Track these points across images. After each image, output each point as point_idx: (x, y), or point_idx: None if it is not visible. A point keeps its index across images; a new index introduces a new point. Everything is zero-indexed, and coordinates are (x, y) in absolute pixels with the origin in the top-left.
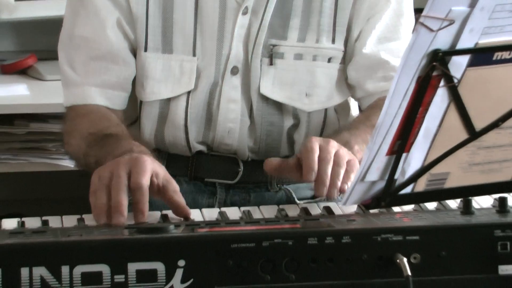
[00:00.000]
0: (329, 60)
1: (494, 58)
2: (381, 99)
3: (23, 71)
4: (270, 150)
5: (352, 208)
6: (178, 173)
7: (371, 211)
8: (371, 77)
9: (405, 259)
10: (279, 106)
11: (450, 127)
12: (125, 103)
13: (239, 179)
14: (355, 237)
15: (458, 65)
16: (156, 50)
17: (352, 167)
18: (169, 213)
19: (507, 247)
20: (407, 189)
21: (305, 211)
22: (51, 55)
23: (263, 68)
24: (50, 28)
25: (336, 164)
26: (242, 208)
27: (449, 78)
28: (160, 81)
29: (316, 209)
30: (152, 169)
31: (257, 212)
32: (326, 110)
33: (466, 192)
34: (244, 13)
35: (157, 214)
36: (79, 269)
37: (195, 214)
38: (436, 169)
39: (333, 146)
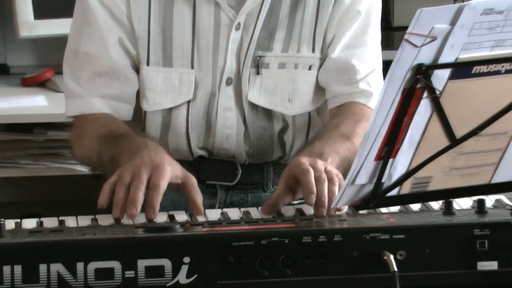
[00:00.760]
0: (310, 68)
1: (473, 71)
2: (348, 105)
3: (41, 84)
4: (264, 153)
5: (344, 208)
6: None
7: (361, 211)
8: (337, 80)
9: (391, 256)
10: (268, 112)
11: (432, 135)
12: (130, 114)
13: (238, 181)
14: (345, 236)
15: (440, 78)
16: (157, 64)
17: (340, 181)
18: (176, 213)
19: (485, 245)
20: (394, 192)
21: (300, 211)
22: None
23: (251, 77)
24: (66, 44)
25: (330, 181)
26: (242, 209)
27: (431, 90)
28: (161, 92)
29: (309, 210)
30: (171, 174)
31: (256, 213)
32: (309, 112)
33: (448, 195)
34: (237, 28)
35: (164, 215)
36: (92, 265)
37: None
38: (420, 173)
39: (321, 163)
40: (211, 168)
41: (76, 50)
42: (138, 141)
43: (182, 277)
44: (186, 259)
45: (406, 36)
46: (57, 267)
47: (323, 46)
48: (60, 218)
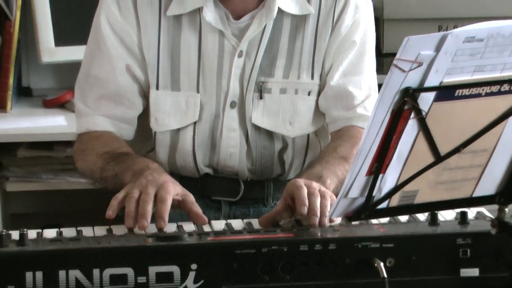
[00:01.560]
0: (309, 93)
1: (456, 94)
2: (346, 129)
3: (61, 105)
4: (264, 170)
5: (338, 220)
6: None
7: (353, 222)
8: (336, 106)
9: (381, 263)
10: (269, 133)
11: (419, 152)
12: (131, 134)
13: (240, 197)
14: (339, 244)
15: (425, 100)
16: (165, 88)
17: (332, 198)
18: (184, 224)
19: (467, 253)
20: (383, 204)
21: (297, 222)
22: None
23: (254, 101)
24: None
25: (323, 196)
26: (245, 220)
27: (418, 111)
28: (169, 114)
29: (306, 221)
30: (174, 190)
31: (257, 224)
32: (308, 134)
33: (433, 207)
34: (240, 55)
35: (173, 225)
36: (108, 272)
37: (205, 225)
38: (407, 187)
39: (316, 184)
40: (216, 185)
41: (87, 74)
42: (140, 162)
43: (189, 283)
44: (194, 266)
45: (394, 62)
46: (75, 273)
47: (322, 73)
48: (78, 228)
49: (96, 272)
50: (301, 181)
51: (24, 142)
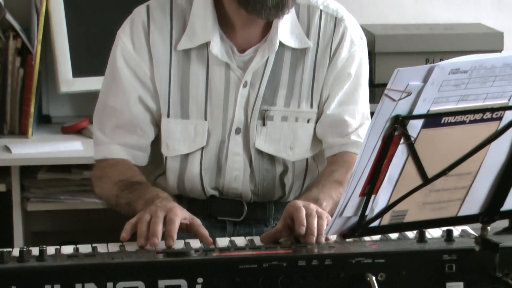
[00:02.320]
0: (308, 121)
1: (442, 121)
2: (340, 155)
3: (78, 132)
4: (267, 192)
5: (333, 237)
6: (196, 213)
7: (347, 239)
8: (331, 133)
9: (373, 277)
10: (271, 157)
11: (408, 174)
12: (145, 161)
13: (244, 217)
14: (335, 260)
15: (414, 127)
16: (176, 116)
17: (328, 219)
18: (191, 241)
19: (453, 268)
20: (375, 223)
21: (296, 239)
22: None
23: (258, 128)
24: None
25: (319, 217)
26: (247, 237)
27: (407, 137)
28: (179, 140)
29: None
30: (182, 215)
31: (258, 241)
32: (307, 159)
33: (421, 225)
34: (244, 86)
35: (181, 242)
36: (120, 285)
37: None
38: (397, 207)
39: (313, 205)
40: (221, 206)
41: (104, 104)
42: (151, 191)
43: None
44: (200, 280)
45: (385, 92)
46: (90, 287)
47: (320, 102)
48: (93, 244)
49: (109, 285)
50: (300, 203)
51: (44, 166)
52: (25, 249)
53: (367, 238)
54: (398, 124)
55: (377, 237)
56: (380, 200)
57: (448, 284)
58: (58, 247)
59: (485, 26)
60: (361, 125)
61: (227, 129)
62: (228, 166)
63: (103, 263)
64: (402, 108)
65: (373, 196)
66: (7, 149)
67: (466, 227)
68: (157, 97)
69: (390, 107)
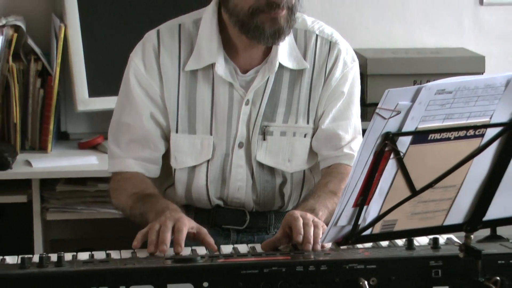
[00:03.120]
0: (305, 136)
1: (429, 138)
2: (334, 166)
3: (94, 147)
4: (267, 201)
5: (328, 245)
6: (203, 222)
7: (341, 247)
8: (326, 146)
9: (366, 282)
10: (271, 169)
11: (397, 187)
12: (157, 173)
13: (246, 226)
14: (330, 266)
15: (403, 143)
16: (183, 131)
17: (324, 228)
18: (197, 248)
19: (439, 273)
20: (368, 231)
21: (294, 247)
22: None
23: (259, 142)
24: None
25: (316, 226)
26: (250, 245)
27: (397, 152)
28: (187, 154)
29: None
30: (189, 224)
31: (260, 248)
32: (304, 170)
33: (409, 234)
34: (246, 104)
35: (188, 249)
36: None
37: None
38: (388, 217)
39: (310, 215)
40: (226, 215)
41: (118, 121)
42: (162, 203)
43: None
44: (205, 284)
45: (377, 111)
46: None
47: (315, 118)
48: (107, 251)
49: None
50: (297, 213)
51: (62, 178)
52: (44, 256)
53: (360, 246)
54: (389, 141)
55: (369, 244)
56: (372, 210)
57: None
58: (75, 253)
59: (468, 51)
60: (353, 139)
61: (231, 143)
62: (232, 177)
63: (116, 268)
64: (392, 126)
65: (365, 207)
66: (28, 163)
67: (451, 236)
68: (167, 114)
69: (381, 125)
